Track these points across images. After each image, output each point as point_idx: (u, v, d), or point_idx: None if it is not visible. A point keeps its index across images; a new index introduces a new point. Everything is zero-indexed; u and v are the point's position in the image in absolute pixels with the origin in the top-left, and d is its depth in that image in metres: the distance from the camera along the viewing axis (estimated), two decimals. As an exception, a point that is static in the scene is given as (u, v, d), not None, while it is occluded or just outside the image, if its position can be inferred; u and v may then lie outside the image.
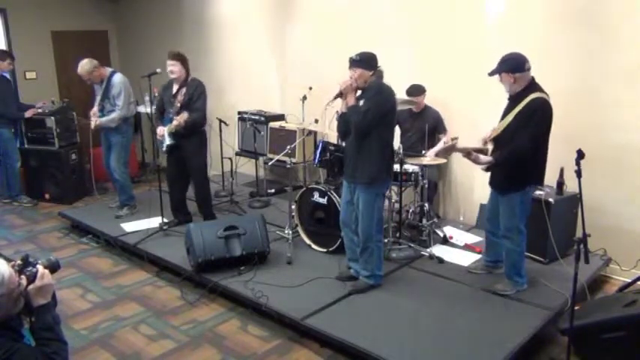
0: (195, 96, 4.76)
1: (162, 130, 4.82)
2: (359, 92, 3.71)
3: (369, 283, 3.84)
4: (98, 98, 5.43)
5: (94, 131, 5.64)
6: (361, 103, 3.62)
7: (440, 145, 5.00)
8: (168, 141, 4.81)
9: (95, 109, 5.43)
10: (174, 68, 4.72)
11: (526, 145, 3.38)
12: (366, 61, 3.62)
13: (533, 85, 3.47)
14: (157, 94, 5.30)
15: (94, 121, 5.40)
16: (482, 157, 3.54)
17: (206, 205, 5.15)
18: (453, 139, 3.98)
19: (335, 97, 3.76)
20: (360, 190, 3.73)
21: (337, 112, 3.87)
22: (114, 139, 5.49)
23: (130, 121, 5.60)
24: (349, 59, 3.68)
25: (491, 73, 3.54)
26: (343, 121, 3.76)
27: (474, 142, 3.95)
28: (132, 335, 3.64)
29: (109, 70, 5.47)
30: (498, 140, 3.57)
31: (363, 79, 3.63)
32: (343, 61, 5.64)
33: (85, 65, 5.29)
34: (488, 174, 3.75)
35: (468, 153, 3.55)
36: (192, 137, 4.86)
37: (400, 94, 4.45)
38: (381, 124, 3.60)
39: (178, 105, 4.75)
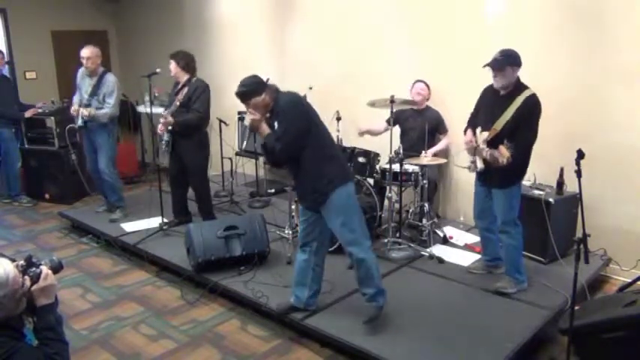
0: (195, 97, 4.74)
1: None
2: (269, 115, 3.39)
3: (379, 304, 3.39)
4: (85, 95, 5.27)
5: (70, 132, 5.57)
6: (276, 125, 3.29)
7: (441, 145, 5.00)
8: (164, 137, 4.84)
9: (76, 106, 5.27)
10: (170, 67, 4.80)
11: (532, 141, 3.53)
12: (251, 90, 3.30)
13: (521, 82, 3.55)
14: (157, 94, 5.25)
15: (80, 110, 5.22)
16: (500, 159, 3.47)
17: (204, 205, 5.10)
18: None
19: (249, 135, 3.63)
20: (322, 206, 3.28)
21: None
22: (101, 139, 5.32)
23: (116, 121, 5.50)
24: (236, 95, 3.35)
25: (497, 66, 3.47)
26: (266, 152, 3.35)
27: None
28: (132, 335, 3.64)
29: (102, 68, 5.36)
30: (497, 139, 3.53)
31: (261, 108, 3.29)
32: (343, 61, 5.70)
33: (92, 47, 5.27)
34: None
35: (491, 155, 3.51)
36: (190, 137, 4.82)
37: (399, 95, 4.44)
38: (305, 136, 3.24)
39: (177, 104, 4.75)
